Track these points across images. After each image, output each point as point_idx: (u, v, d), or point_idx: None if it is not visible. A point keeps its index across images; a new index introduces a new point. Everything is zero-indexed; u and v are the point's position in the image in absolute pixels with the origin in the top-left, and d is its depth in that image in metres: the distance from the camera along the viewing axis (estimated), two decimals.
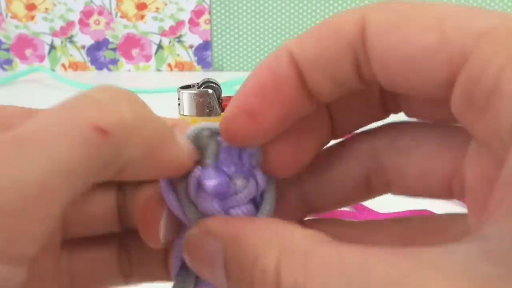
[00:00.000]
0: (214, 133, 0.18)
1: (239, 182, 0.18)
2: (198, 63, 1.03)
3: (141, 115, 0.15)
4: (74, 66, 1.03)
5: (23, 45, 1.03)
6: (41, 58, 1.03)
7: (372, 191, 0.19)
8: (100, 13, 1.00)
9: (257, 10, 1.00)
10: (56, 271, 0.20)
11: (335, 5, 0.99)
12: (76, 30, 1.02)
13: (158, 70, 1.03)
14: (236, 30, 1.01)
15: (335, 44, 0.15)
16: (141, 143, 0.15)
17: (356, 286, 0.12)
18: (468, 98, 0.14)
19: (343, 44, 0.15)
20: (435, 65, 0.14)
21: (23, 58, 1.04)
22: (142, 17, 1.00)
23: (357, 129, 0.19)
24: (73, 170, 0.13)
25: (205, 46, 1.02)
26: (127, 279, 0.21)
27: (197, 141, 0.18)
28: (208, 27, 1.01)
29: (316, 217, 0.21)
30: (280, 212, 0.19)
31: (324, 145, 0.19)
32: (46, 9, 1.00)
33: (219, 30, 1.01)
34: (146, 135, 0.15)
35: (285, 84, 0.16)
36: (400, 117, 0.19)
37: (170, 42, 1.01)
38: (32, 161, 0.12)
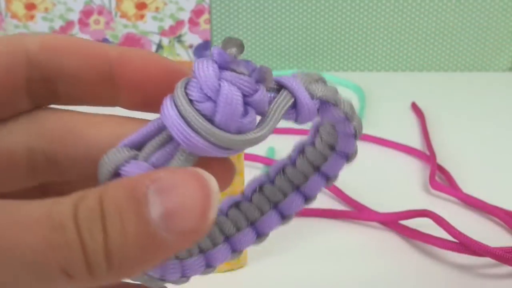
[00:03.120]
0: None
1: None
2: None
3: None
4: None
5: None
6: None
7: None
8: (100, 13, 1.00)
9: (257, 10, 1.00)
10: None
11: (335, 4, 0.99)
12: (76, 29, 1.02)
13: None
14: (236, 30, 1.01)
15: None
16: None
17: None
18: None
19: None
20: None
21: None
22: (142, 16, 1.00)
23: None
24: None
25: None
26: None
27: None
28: (208, 26, 1.00)
29: None
30: None
31: None
32: (46, 8, 1.00)
33: (219, 30, 1.01)
34: None
35: None
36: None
37: (170, 41, 1.01)
38: None
